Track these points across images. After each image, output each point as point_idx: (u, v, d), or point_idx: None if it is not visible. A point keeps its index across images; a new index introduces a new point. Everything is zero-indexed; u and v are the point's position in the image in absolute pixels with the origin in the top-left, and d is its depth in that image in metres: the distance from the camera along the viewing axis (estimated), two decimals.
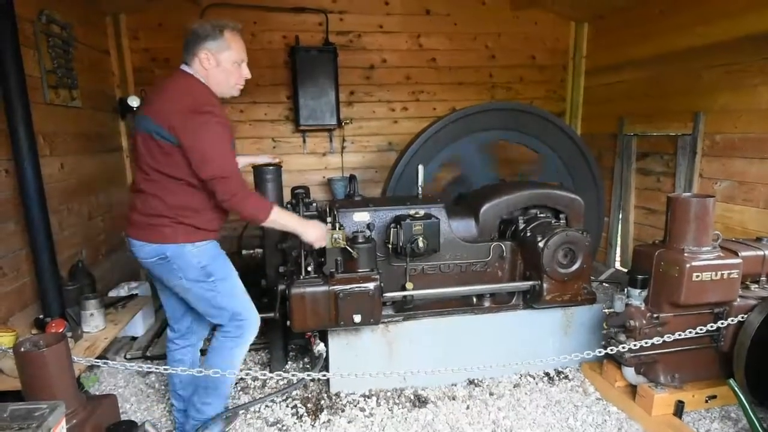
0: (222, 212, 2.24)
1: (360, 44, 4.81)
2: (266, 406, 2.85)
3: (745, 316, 2.50)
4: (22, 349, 1.83)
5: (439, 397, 2.94)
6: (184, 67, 2.15)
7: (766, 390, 2.48)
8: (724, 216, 3.45)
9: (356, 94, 4.94)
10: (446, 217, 3.08)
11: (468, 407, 2.85)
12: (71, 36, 3.47)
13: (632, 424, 2.68)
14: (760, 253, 2.65)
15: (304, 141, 4.93)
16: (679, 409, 2.56)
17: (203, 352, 2.53)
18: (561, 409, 2.82)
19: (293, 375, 2.25)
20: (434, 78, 5.01)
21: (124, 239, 2.30)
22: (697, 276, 2.45)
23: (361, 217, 3.04)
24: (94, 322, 3.05)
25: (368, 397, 2.93)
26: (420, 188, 3.19)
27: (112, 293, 3.71)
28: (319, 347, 2.71)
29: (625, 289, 2.70)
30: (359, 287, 2.60)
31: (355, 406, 2.86)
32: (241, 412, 2.74)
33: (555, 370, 3.19)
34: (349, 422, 2.72)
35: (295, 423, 2.71)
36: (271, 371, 3.15)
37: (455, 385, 3.05)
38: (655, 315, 2.59)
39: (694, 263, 2.45)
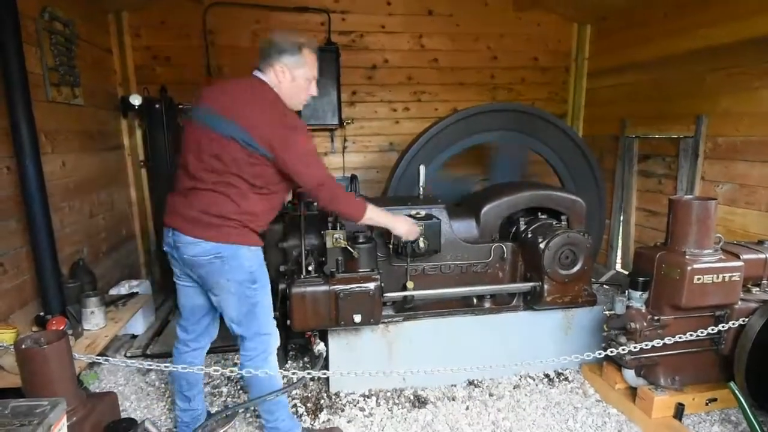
0: (271, 218, 2.26)
1: (362, 44, 4.81)
2: None
3: (747, 319, 2.50)
4: (23, 346, 1.83)
5: (438, 397, 2.94)
6: (258, 73, 2.15)
7: (767, 393, 2.47)
8: (726, 219, 3.44)
9: (358, 94, 4.94)
10: (447, 217, 3.08)
11: (467, 408, 2.84)
12: (73, 33, 3.47)
13: (632, 426, 2.68)
14: (762, 256, 2.65)
15: None
16: (679, 412, 2.56)
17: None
18: (561, 411, 2.82)
19: (293, 374, 2.25)
20: (436, 78, 5.00)
21: (161, 232, 2.21)
22: (699, 279, 2.45)
23: None
24: (95, 319, 3.06)
25: (368, 397, 2.93)
26: (421, 189, 3.18)
27: (113, 291, 3.71)
28: (319, 347, 2.70)
29: (626, 291, 2.70)
30: (360, 287, 2.60)
31: (355, 405, 2.86)
32: (240, 411, 2.74)
33: (555, 371, 3.19)
34: (348, 422, 2.72)
35: None
36: None
37: (455, 386, 3.05)
38: (655, 317, 2.58)
39: (695, 266, 2.45)
